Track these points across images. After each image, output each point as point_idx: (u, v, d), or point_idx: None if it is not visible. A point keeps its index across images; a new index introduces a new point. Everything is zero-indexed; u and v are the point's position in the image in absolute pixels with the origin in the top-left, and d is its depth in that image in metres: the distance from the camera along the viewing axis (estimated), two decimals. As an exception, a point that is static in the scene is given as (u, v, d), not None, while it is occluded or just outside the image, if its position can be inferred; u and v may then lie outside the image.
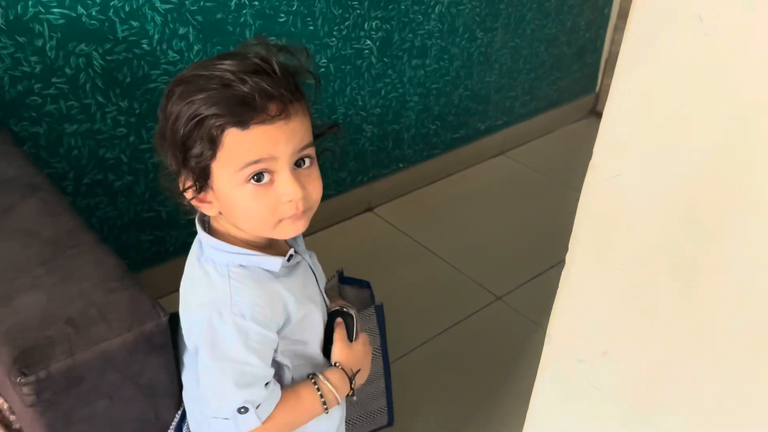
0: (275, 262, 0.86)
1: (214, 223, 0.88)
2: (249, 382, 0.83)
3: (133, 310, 0.89)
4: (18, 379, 0.81)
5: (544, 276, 2.14)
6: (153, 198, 1.84)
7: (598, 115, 3.11)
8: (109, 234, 1.81)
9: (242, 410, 0.83)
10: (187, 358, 0.94)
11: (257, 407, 0.83)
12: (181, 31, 1.68)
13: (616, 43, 2.88)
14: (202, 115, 0.76)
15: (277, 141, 0.78)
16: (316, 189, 0.84)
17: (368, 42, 2.09)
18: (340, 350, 0.96)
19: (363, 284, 1.16)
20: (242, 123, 0.76)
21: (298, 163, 0.82)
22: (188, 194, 0.82)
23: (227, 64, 0.77)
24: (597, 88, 3.02)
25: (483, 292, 2.09)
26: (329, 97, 2.09)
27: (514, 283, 2.12)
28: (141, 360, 0.90)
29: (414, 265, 2.19)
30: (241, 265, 0.84)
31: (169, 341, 0.93)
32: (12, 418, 1.02)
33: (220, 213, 0.84)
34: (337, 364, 0.95)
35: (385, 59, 2.17)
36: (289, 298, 0.86)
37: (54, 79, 1.55)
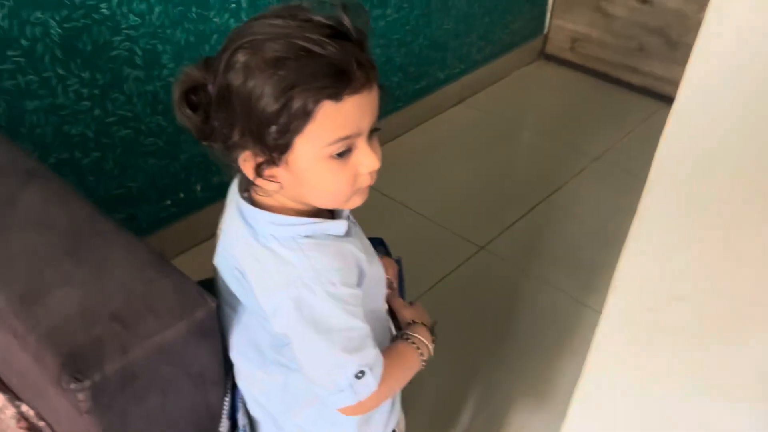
0: (340, 226, 0.82)
1: (263, 199, 0.81)
2: (358, 345, 0.80)
3: (180, 299, 0.83)
4: (72, 386, 0.74)
5: (524, 221, 2.15)
6: (123, 173, 1.73)
7: (547, 57, 3.12)
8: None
9: (359, 375, 0.80)
10: (245, 345, 0.88)
11: (371, 369, 0.81)
12: (141, -9, 1.56)
13: (564, -17, 2.87)
14: (297, 88, 0.69)
15: (364, 113, 0.74)
16: (380, 157, 0.79)
17: (331, -6, 2.00)
18: (407, 310, 1.00)
19: (376, 242, 1.14)
20: (337, 94, 0.70)
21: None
22: (251, 171, 0.76)
23: (295, 25, 0.70)
24: (545, 30, 3.02)
25: (465, 244, 2.09)
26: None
27: (494, 232, 2.12)
28: (193, 350, 0.84)
29: (390, 221, 2.15)
30: (306, 236, 0.79)
31: (217, 327, 0.87)
32: (41, 424, 0.94)
33: (282, 188, 0.78)
34: (414, 321, 0.98)
35: (347, 11, 2.08)
36: (361, 256, 0.83)
37: (9, 52, 1.41)
